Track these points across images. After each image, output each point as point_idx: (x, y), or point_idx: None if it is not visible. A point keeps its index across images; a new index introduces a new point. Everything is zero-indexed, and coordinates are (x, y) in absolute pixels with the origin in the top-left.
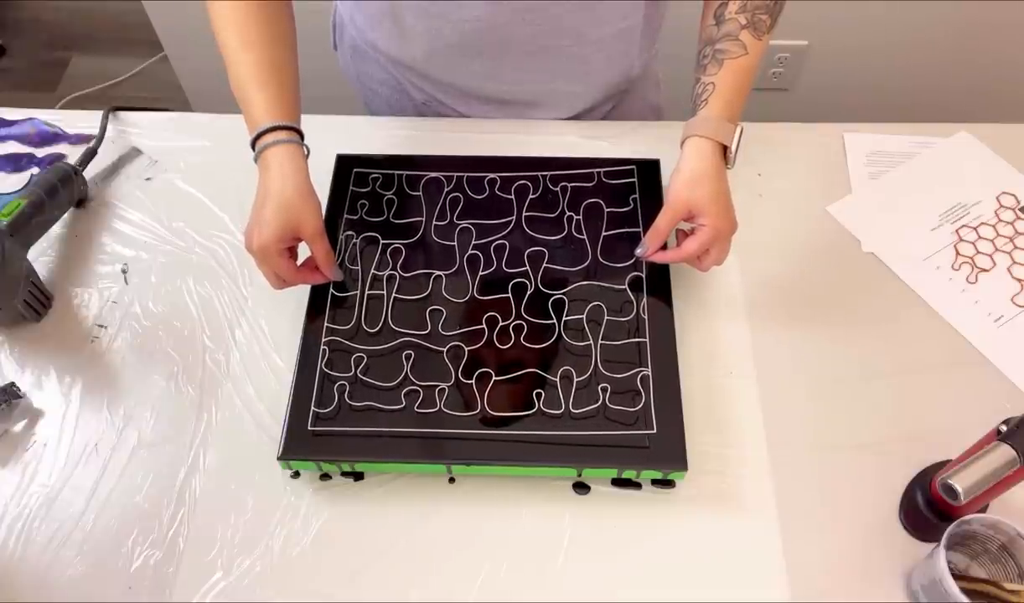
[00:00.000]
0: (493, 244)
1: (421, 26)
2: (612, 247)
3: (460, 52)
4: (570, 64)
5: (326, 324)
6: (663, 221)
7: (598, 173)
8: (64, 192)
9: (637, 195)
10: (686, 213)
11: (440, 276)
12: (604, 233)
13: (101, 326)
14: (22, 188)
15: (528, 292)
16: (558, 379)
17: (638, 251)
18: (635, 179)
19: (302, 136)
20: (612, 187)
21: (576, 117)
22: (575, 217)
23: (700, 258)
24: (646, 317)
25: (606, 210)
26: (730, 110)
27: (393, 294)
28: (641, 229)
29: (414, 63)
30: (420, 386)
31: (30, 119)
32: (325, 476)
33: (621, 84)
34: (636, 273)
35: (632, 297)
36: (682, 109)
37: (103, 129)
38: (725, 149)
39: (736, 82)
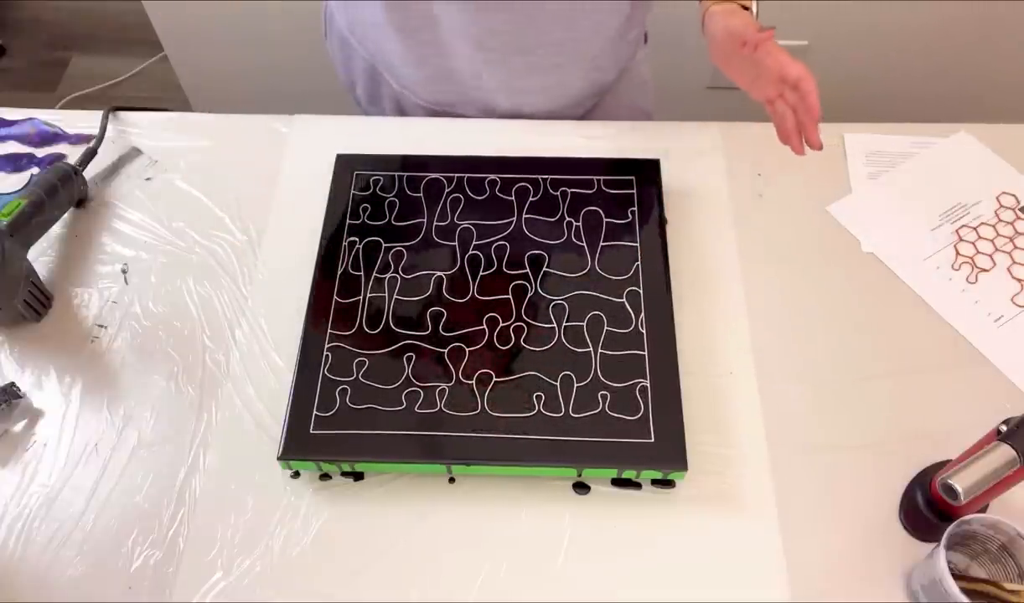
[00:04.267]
0: (494, 245)
1: (402, 13)
2: (610, 259)
3: (438, 32)
4: (550, 50)
5: (329, 330)
6: (736, 23)
7: (598, 181)
8: (64, 192)
9: (635, 208)
10: (739, 40)
11: (441, 276)
12: (603, 243)
13: (101, 326)
14: (22, 188)
15: (528, 294)
16: (558, 383)
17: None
18: (634, 190)
19: None
20: (611, 197)
21: (553, 113)
22: (575, 223)
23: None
24: (644, 331)
25: (605, 220)
26: None
27: (394, 296)
28: (638, 243)
29: (391, 53)
30: (420, 387)
31: (30, 119)
32: (325, 476)
33: (606, 68)
34: (633, 288)
35: (630, 310)
36: (673, 112)
37: (103, 129)
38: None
39: None
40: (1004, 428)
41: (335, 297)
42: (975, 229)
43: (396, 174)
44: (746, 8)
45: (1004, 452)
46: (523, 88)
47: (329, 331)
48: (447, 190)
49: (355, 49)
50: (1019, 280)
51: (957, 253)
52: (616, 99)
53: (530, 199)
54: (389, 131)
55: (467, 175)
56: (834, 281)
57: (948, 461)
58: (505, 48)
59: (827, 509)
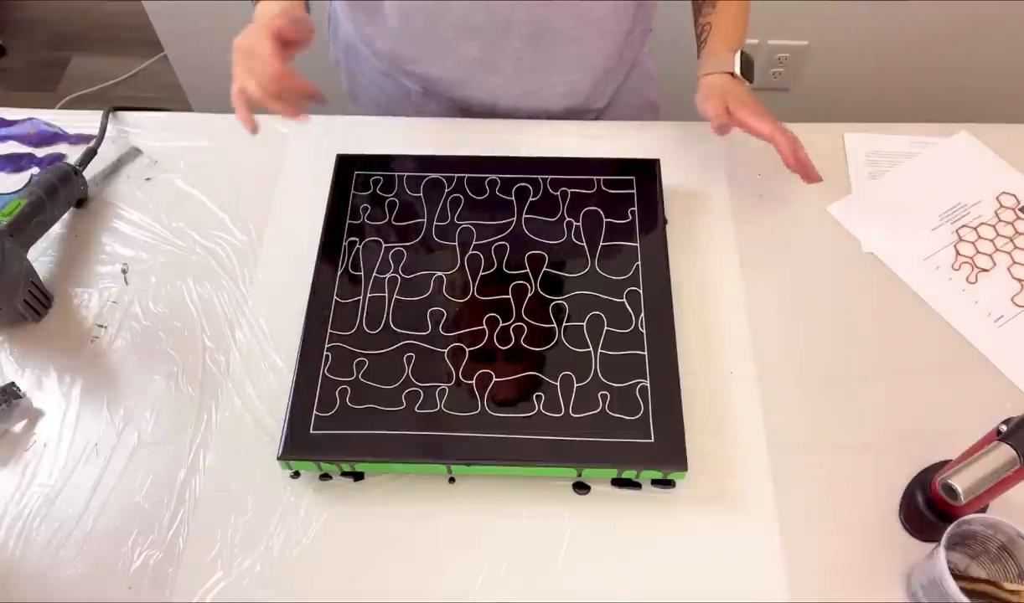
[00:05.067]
0: (494, 245)
1: (419, 12)
2: (610, 259)
3: (456, 35)
4: (568, 49)
5: (329, 330)
6: (713, 107)
7: (598, 181)
8: (64, 192)
9: (635, 208)
10: (716, 110)
11: (441, 277)
12: (603, 243)
13: (101, 326)
14: (22, 188)
15: (528, 294)
16: (558, 383)
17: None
18: (634, 190)
19: None
20: (611, 197)
21: (572, 110)
22: (575, 223)
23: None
24: (644, 331)
25: (605, 220)
26: (728, 44)
27: (394, 296)
28: (638, 244)
29: (408, 53)
30: (421, 387)
31: (30, 119)
32: (325, 476)
33: (616, 73)
34: (633, 288)
35: (630, 310)
36: (679, 103)
37: (103, 129)
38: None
39: (730, 17)
40: (1004, 428)
41: (335, 297)
42: (975, 229)
43: (396, 174)
44: (732, 73)
45: (1004, 452)
46: (537, 94)
47: (329, 331)
48: (447, 190)
49: (365, 57)
50: (1019, 280)
51: (957, 253)
52: (626, 93)
53: (530, 199)
54: (389, 131)
55: (467, 175)
56: (834, 281)
57: (948, 461)
58: (516, 69)
59: (827, 509)
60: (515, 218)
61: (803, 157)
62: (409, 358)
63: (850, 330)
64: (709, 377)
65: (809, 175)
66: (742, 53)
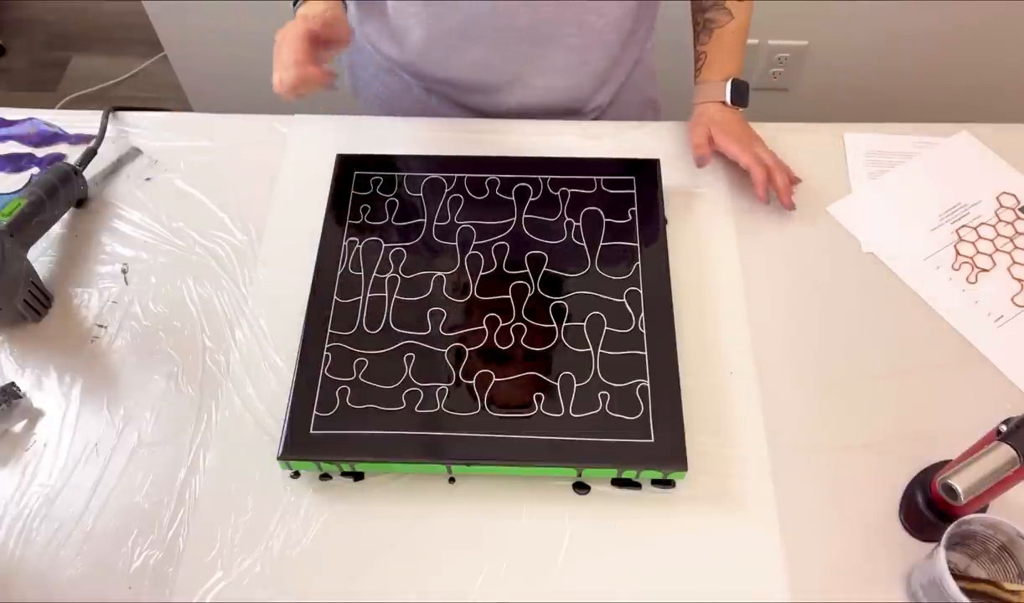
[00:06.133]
0: (494, 245)
1: (423, 13)
2: (610, 259)
3: (460, 39)
4: (569, 55)
5: (329, 330)
6: (695, 137)
7: (598, 181)
8: (64, 192)
9: (635, 208)
10: (698, 140)
11: (441, 277)
12: (603, 243)
13: (101, 326)
14: (22, 188)
15: (528, 294)
16: (558, 383)
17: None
18: (634, 190)
19: None
20: (611, 197)
21: (573, 109)
22: (575, 223)
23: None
24: (644, 331)
25: (605, 220)
26: (722, 72)
27: (394, 296)
28: (638, 244)
29: (410, 55)
30: (421, 387)
31: (30, 119)
32: (325, 476)
33: (619, 72)
34: (633, 288)
35: (630, 310)
36: (679, 103)
37: (103, 129)
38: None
39: (726, 46)
40: (1004, 428)
41: (335, 297)
42: (975, 229)
43: (396, 174)
44: (723, 102)
45: (1004, 452)
46: (539, 95)
47: (329, 331)
48: (447, 190)
49: (368, 53)
50: (1019, 280)
51: (957, 253)
52: (628, 91)
53: (530, 199)
54: (389, 131)
55: (467, 175)
56: (834, 281)
57: (948, 461)
58: (519, 71)
59: (827, 509)
60: (515, 218)
61: (780, 184)
62: (409, 358)
63: (850, 330)
64: (709, 377)
65: (783, 200)
66: (734, 80)
